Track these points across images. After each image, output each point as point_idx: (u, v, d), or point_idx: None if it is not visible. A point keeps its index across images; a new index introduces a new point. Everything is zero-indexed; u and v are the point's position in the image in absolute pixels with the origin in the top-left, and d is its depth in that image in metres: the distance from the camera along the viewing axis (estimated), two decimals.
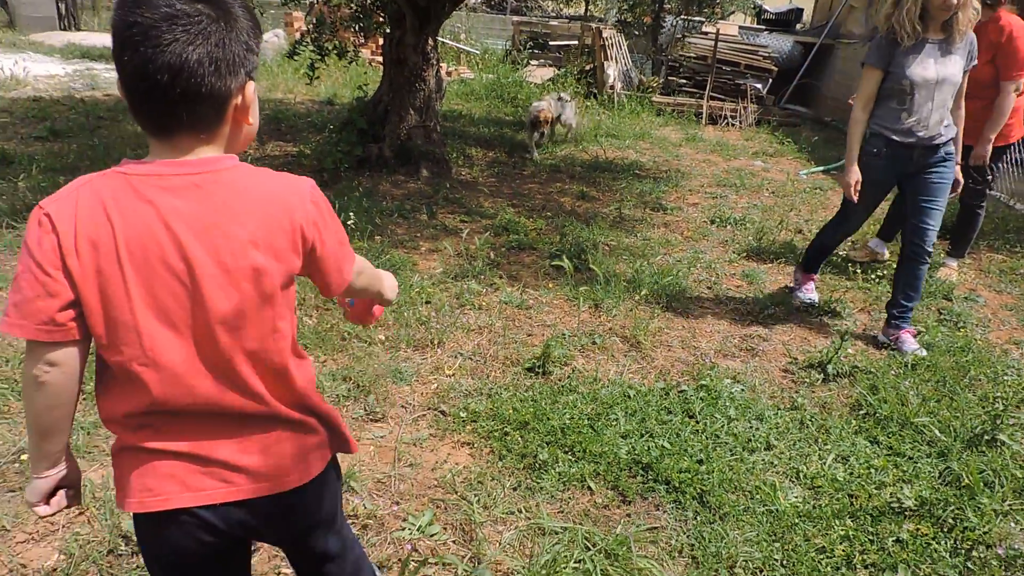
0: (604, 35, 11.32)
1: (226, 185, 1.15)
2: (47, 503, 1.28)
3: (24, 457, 2.47)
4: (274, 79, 10.65)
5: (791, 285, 4.40)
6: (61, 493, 1.29)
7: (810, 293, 4.23)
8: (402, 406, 2.96)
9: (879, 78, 3.55)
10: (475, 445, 2.75)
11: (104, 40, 14.02)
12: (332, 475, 1.41)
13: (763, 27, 14.16)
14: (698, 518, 2.43)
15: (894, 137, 3.56)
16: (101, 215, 1.10)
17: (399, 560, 2.16)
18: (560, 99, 8.04)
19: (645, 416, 2.95)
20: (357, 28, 6.32)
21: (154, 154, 1.16)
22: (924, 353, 3.59)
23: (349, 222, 4.56)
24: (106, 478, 2.38)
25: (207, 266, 1.12)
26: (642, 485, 2.58)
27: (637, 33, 11.64)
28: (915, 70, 3.42)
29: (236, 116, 1.18)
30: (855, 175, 3.65)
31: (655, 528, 2.39)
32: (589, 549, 2.22)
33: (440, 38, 8.50)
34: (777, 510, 2.46)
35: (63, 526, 2.21)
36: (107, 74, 10.72)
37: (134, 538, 2.16)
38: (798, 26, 14.44)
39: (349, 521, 2.30)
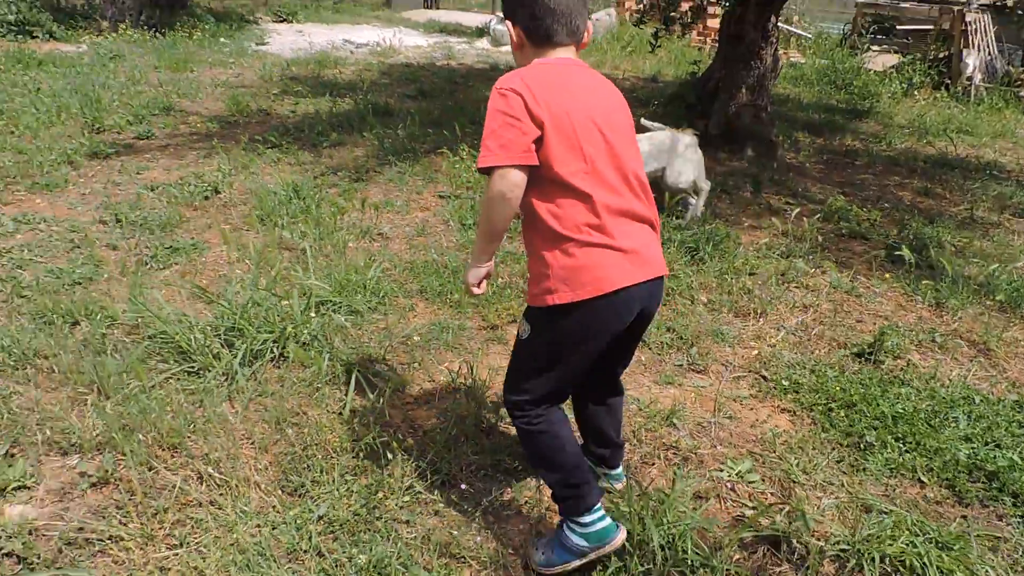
0: (967, 19, 10.01)
1: (594, 71, 1.84)
2: (479, 287, 1.86)
3: (416, 338, 3.03)
4: (603, 55, 11.12)
5: None
6: (485, 281, 1.87)
7: None
8: (722, 364, 3.04)
9: None
10: (796, 413, 2.74)
11: (457, 17, 15.71)
12: None
13: None
14: None
15: None
16: (548, 83, 1.70)
17: (717, 495, 2.27)
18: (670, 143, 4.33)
19: (992, 424, 2.69)
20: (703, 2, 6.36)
21: (549, 56, 1.78)
22: None
23: None
24: (474, 368, 2.79)
25: (606, 112, 1.76)
26: (983, 492, 2.38)
27: (1021, 14, 9.94)
28: None
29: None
30: None
31: (997, 538, 2.20)
32: (918, 535, 2.13)
33: None
34: None
35: (439, 397, 2.67)
36: (460, 46, 12.05)
37: (500, 400, 2.53)
38: None
39: (671, 452, 2.47)
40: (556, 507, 1.96)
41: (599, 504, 1.88)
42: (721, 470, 2.40)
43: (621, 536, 1.87)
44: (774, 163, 6.10)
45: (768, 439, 2.56)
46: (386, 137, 5.98)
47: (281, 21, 14.02)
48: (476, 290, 1.86)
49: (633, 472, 2.34)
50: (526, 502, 2.19)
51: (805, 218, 4.65)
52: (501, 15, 15.28)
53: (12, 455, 2.26)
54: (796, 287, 3.77)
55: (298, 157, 5.47)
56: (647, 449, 2.46)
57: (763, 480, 2.37)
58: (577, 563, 1.88)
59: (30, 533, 1.97)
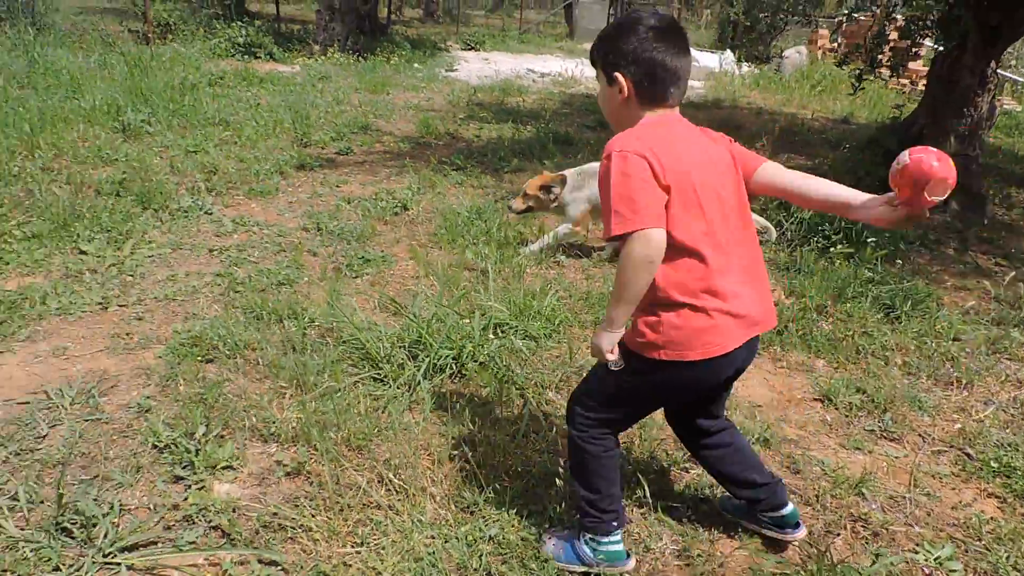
0: None
1: (699, 128, 1.84)
2: (612, 353, 1.77)
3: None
4: (790, 94, 10.71)
5: None
6: (617, 349, 1.78)
7: None
8: (919, 434, 2.79)
9: None
10: (1007, 501, 2.45)
11: None
12: None
13: None
14: None
15: None
16: (668, 146, 1.66)
17: None
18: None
19: None
20: (929, 41, 5.96)
21: (657, 114, 1.77)
22: None
23: (869, 239, 4.39)
24: None
25: (719, 171, 1.76)
26: None
27: None
28: None
29: None
30: None
31: None
32: None
33: None
34: None
35: None
36: None
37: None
38: None
39: (859, 525, 2.29)
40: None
41: (618, 530, 1.96)
42: (916, 552, 2.18)
43: (631, 565, 1.98)
44: (983, 219, 5.56)
45: (973, 525, 2.31)
46: (565, 166, 6.07)
47: (469, 49, 14.74)
48: (610, 357, 1.77)
49: (816, 541, 2.18)
50: (699, 554, 2.10)
51: (1020, 283, 4.19)
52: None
53: (223, 437, 2.49)
54: (1009, 359, 3.39)
55: (481, 180, 5.69)
56: (832, 517, 2.30)
57: (966, 570, 2.13)
58: (581, 569, 1.97)
59: (234, 511, 2.16)
